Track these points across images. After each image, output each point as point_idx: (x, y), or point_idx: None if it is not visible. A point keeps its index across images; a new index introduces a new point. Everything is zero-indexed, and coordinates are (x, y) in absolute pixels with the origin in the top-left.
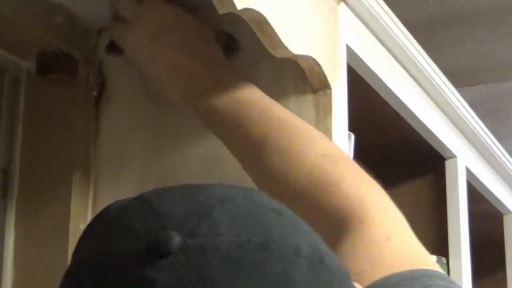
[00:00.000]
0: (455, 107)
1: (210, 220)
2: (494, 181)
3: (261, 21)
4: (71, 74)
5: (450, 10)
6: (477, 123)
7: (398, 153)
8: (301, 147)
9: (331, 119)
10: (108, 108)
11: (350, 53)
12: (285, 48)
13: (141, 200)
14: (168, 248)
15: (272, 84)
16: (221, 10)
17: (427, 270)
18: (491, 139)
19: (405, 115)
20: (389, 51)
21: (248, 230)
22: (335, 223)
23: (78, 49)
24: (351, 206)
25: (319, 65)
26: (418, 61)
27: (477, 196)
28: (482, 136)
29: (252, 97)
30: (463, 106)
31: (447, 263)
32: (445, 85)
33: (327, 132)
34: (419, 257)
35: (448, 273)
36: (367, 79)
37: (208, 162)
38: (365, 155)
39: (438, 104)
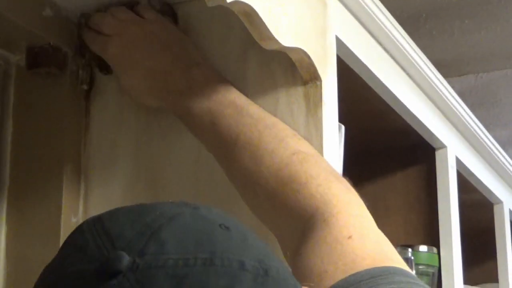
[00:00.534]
0: (444, 97)
1: (158, 239)
2: (484, 171)
3: (250, 13)
4: (60, 68)
5: (439, 0)
6: (467, 113)
7: (388, 143)
8: (271, 146)
9: (321, 110)
10: (98, 102)
11: (340, 45)
12: (275, 40)
13: (96, 221)
14: (118, 267)
15: (262, 76)
16: (210, 3)
17: (388, 267)
18: (480, 129)
19: (395, 106)
20: (379, 42)
21: (194, 247)
22: (301, 223)
23: (67, 42)
24: (317, 206)
25: (308, 57)
26: (407, 51)
27: (467, 186)
28: (471, 126)
29: (227, 96)
30: (452, 96)
31: (438, 253)
32: (434, 75)
33: (318, 123)
34: (382, 254)
35: (439, 262)
36: (357, 70)
37: (199, 154)
38: (355, 146)
39: (427, 95)
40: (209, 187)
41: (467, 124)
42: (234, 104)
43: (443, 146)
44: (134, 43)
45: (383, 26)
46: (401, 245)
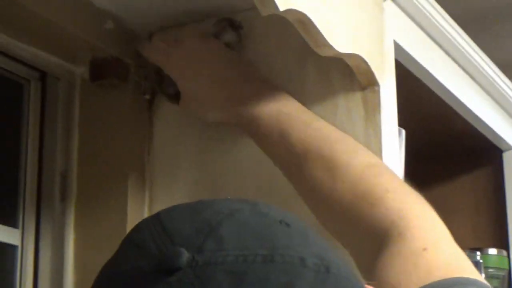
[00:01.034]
0: (510, 99)
1: (217, 235)
2: None
3: (305, 21)
4: (123, 79)
5: (505, 1)
6: None
7: (453, 147)
8: (345, 158)
9: (379, 115)
10: (161, 111)
11: (398, 49)
12: (330, 47)
13: (154, 219)
14: (177, 264)
15: (320, 83)
16: (263, 12)
17: (460, 278)
18: None
19: (459, 109)
20: (438, 44)
21: (254, 243)
22: (377, 237)
23: (129, 54)
24: (392, 219)
25: (365, 63)
26: (468, 53)
27: None
28: None
29: (295, 109)
30: None
31: (508, 256)
32: (498, 76)
33: (376, 128)
34: (456, 265)
35: (509, 265)
36: (418, 74)
37: (260, 162)
38: (418, 151)
39: (492, 96)
40: (271, 194)
41: None
42: (302, 117)
43: (510, 148)
44: (197, 54)
45: (442, 28)
46: (470, 249)
